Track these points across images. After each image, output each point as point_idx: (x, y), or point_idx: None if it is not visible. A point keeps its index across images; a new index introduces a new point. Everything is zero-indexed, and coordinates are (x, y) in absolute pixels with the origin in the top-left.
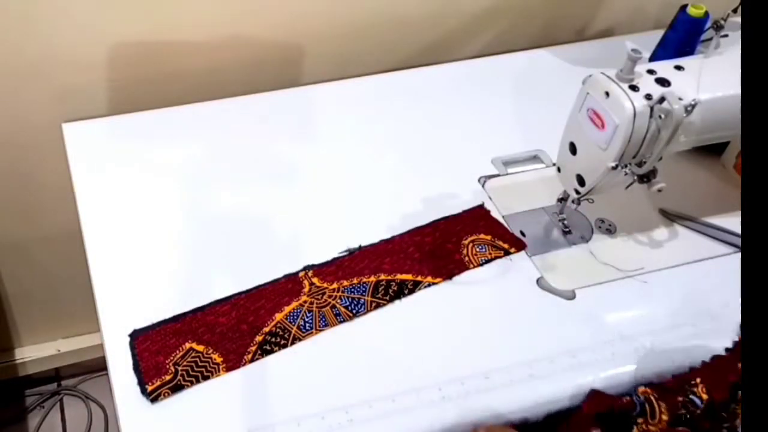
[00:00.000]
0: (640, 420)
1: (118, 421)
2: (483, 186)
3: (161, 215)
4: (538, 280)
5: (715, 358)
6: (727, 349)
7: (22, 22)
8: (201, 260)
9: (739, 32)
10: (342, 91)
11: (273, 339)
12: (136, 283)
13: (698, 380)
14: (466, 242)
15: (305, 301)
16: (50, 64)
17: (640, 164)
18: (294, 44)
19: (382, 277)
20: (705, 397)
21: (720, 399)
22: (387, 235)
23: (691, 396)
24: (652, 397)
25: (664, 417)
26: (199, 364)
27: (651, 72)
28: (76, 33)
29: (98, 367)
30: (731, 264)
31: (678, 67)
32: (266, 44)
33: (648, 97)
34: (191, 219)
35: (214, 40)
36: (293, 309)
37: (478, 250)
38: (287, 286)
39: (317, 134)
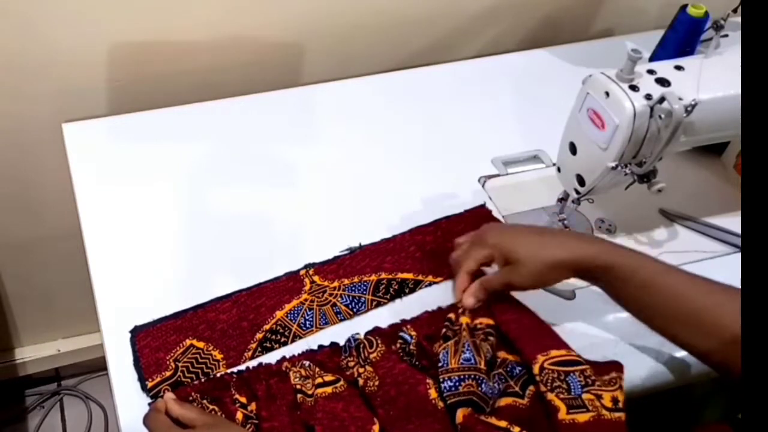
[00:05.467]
0: (350, 360)
1: (117, 420)
2: (483, 186)
3: (161, 214)
4: None
5: (425, 313)
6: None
7: (23, 23)
8: (201, 259)
9: (739, 32)
10: (342, 91)
11: (273, 336)
12: (136, 282)
13: (408, 327)
14: None
15: (306, 299)
16: (50, 64)
17: (640, 164)
18: (294, 44)
19: (383, 275)
20: (413, 333)
21: (426, 338)
22: (387, 235)
23: (402, 334)
24: (367, 338)
25: (382, 347)
26: (200, 360)
27: (651, 72)
28: (76, 33)
29: (98, 367)
30: (731, 264)
31: (678, 67)
32: (266, 44)
33: (648, 97)
34: (191, 218)
35: (214, 40)
36: (294, 307)
37: None
38: (288, 284)
39: (317, 134)
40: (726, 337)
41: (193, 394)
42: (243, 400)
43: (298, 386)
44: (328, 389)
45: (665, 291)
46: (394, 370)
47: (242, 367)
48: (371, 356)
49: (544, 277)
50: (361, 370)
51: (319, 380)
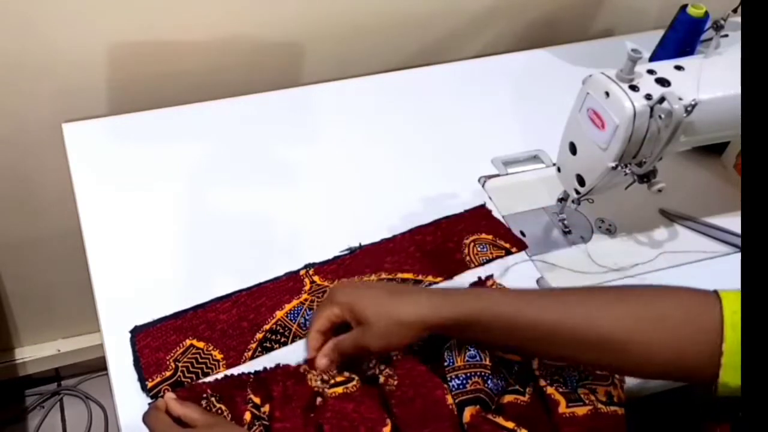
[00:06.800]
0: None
1: (117, 420)
2: (483, 186)
3: (161, 214)
4: (538, 280)
5: None
6: None
7: (23, 23)
8: (201, 259)
9: (739, 32)
10: (342, 91)
11: (273, 336)
12: (136, 282)
13: None
14: (467, 242)
15: (306, 300)
16: (50, 64)
17: (640, 164)
18: (294, 44)
19: (383, 275)
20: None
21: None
22: (387, 235)
23: None
24: None
25: None
26: (200, 360)
27: (651, 72)
28: (76, 33)
29: (98, 367)
30: (731, 264)
31: (678, 67)
32: (266, 44)
33: (648, 97)
34: (191, 218)
35: (213, 40)
36: (294, 307)
37: (479, 249)
38: (288, 284)
39: (317, 134)
40: (603, 341)
41: (208, 390)
42: (257, 400)
43: (317, 389)
44: (339, 389)
45: (539, 323)
46: (413, 372)
47: (259, 367)
48: (393, 354)
49: (395, 336)
50: (382, 367)
51: (332, 381)
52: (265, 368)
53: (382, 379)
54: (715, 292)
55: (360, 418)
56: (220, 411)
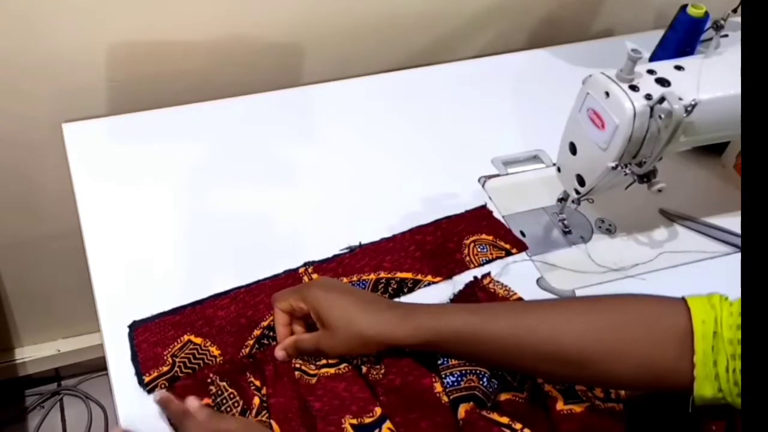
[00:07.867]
0: None
1: (117, 420)
2: (483, 186)
3: (161, 214)
4: (538, 280)
5: None
6: None
7: (22, 22)
8: (201, 258)
9: (739, 32)
10: (342, 91)
11: (271, 333)
12: (136, 282)
13: None
14: (467, 242)
15: None
16: (50, 64)
17: (640, 164)
18: (294, 44)
19: (382, 275)
20: None
21: None
22: (387, 234)
23: None
24: None
25: None
26: (197, 356)
27: (651, 72)
28: (76, 33)
29: (98, 367)
30: (731, 264)
31: (678, 67)
32: (266, 44)
33: (648, 97)
34: (191, 217)
35: (214, 40)
36: None
37: (479, 250)
38: (287, 282)
39: (317, 134)
40: (569, 358)
41: (211, 375)
42: (257, 383)
43: (298, 365)
44: (331, 370)
45: (497, 340)
46: (400, 361)
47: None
48: None
49: (354, 347)
50: (364, 358)
51: (323, 361)
52: (257, 348)
53: (364, 369)
54: (683, 300)
55: (351, 397)
56: (232, 395)
